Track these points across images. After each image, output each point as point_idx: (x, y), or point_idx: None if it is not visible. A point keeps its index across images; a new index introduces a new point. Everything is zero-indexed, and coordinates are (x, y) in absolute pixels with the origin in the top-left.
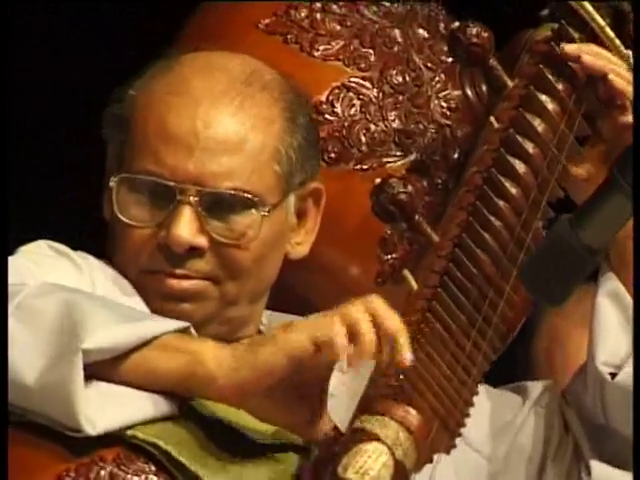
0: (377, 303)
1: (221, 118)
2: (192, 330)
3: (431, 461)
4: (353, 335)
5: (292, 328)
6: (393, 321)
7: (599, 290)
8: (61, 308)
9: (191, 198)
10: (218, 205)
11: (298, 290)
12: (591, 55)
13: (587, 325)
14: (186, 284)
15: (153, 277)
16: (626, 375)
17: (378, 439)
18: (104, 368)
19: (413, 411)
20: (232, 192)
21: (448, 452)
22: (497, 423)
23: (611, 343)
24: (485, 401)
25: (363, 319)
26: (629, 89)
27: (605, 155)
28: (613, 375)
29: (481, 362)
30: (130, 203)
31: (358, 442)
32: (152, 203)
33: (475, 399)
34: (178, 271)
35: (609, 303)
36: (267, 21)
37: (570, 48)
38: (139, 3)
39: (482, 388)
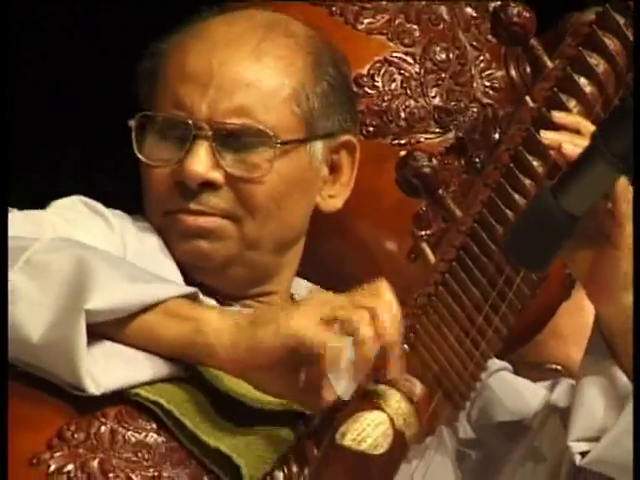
0: (382, 303)
1: (237, 57)
2: (200, 295)
3: (433, 433)
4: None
5: (294, 313)
6: (391, 331)
7: (583, 361)
8: (70, 265)
9: (206, 133)
10: (233, 140)
11: (331, 262)
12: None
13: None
14: (202, 220)
15: (172, 217)
16: (601, 450)
17: (379, 408)
18: (109, 328)
19: (416, 381)
20: (245, 126)
21: (450, 424)
22: (514, 420)
23: (587, 415)
24: (505, 390)
25: (363, 327)
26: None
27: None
28: (586, 453)
29: (491, 337)
30: (150, 144)
31: (358, 410)
32: (171, 142)
33: (497, 387)
34: (193, 206)
35: (592, 372)
36: None
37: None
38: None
39: (508, 376)
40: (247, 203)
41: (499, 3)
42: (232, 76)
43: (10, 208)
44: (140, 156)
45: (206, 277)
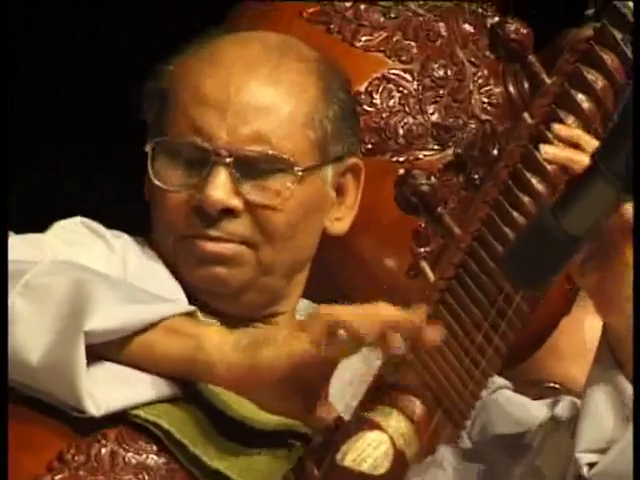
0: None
1: (253, 83)
2: (198, 314)
3: (434, 452)
4: None
5: (296, 333)
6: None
7: (591, 372)
8: (68, 287)
9: (226, 160)
10: (252, 168)
11: (331, 278)
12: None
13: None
14: (221, 247)
15: (189, 242)
16: (608, 461)
17: (379, 428)
18: (109, 348)
19: (416, 401)
20: (265, 154)
21: (451, 443)
22: (515, 438)
23: (595, 426)
24: (509, 406)
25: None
26: None
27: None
28: (594, 464)
29: (491, 355)
30: (165, 168)
31: (359, 430)
32: (187, 167)
33: (501, 403)
34: (212, 233)
35: (600, 383)
36: (311, 10)
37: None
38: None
39: (510, 393)
40: (265, 230)
41: (497, 20)
42: (250, 102)
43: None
44: (155, 181)
45: (219, 302)
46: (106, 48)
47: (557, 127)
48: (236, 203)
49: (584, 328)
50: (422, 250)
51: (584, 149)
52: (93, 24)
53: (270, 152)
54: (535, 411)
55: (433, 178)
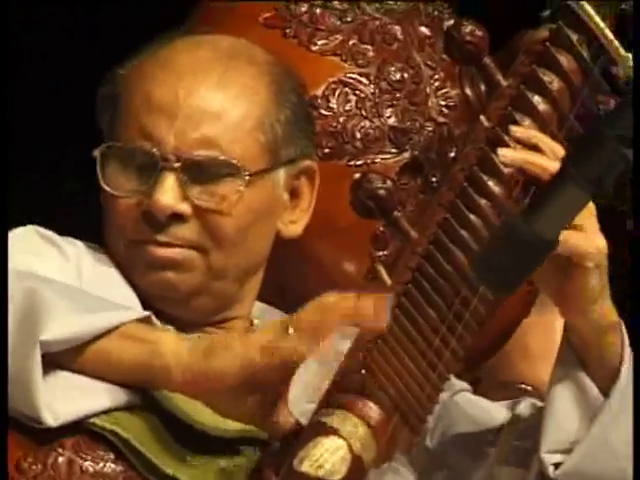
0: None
1: (203, 87)
2: (153, 319)
3: (391, 458)
4: None
5: (250, 338)
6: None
7: (554, 372)
8: (21, 297)
9: (174, 165)
10: (200, 172)
11: (290, 284)
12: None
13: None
14: (170, 252)
15: (138, 247)
16: (575, 461)
17: (336, 433)
18: (65, 357)
19: (374, 405)
20: (213, 158)
21: (409, 450)
22: (475, 438)
23: (559, 426)
24: (469, 408)
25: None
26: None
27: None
28: (559, 464)
29: (449, 358)
30: (115, 173)
31: (316, 435)
32: (137, 173)
33: (462, 405)
34: (161, 238)
35: (563, 383)
36: (267, 15)
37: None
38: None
39: (470, 396)
40: (214, 234)
41: (452, 22)
42: (200, 106)
43: None
44: (105, 186)
45: (170, 307)
46: (106, 48)
47: (514, 129)
48: (184, 208)
49: (555, 330)
50: (380, 254)
51: (541, 150)
52: (93, 24)
53: (218, 156)
54: (495, 412)
55: (389, 182)
